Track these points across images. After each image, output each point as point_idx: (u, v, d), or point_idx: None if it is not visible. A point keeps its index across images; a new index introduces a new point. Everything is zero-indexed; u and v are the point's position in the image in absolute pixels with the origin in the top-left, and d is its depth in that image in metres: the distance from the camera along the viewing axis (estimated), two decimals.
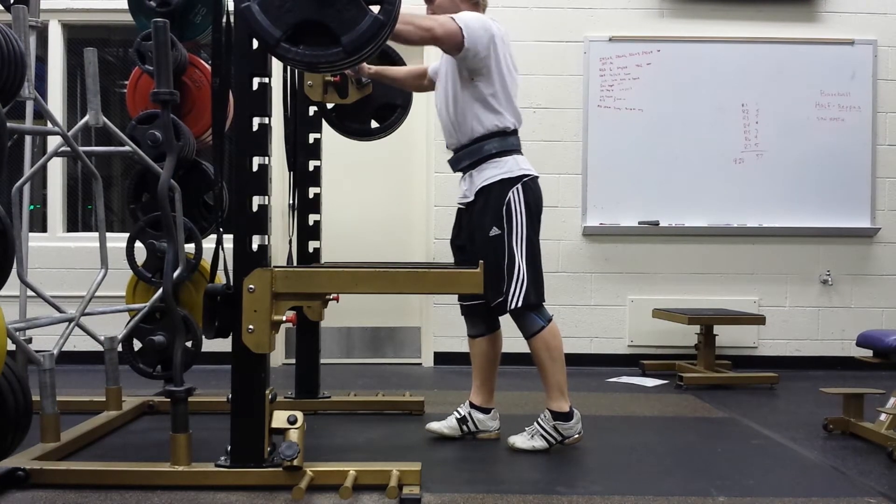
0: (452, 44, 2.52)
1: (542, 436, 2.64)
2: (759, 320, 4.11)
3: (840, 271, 4.62)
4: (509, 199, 2.61)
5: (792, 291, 4.62)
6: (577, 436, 2.67)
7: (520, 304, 2.60)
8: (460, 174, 2.77)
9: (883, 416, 2.81)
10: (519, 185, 2.62)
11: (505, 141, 2.65)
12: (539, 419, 2.68)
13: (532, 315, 2.63)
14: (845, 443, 2.87)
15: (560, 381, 2.64)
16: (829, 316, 4.63)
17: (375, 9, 2.06)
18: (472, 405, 2.85)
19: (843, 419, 2.98)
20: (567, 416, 2.65)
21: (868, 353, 2.96)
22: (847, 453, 2.72)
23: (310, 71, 2.90)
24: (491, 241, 2.62)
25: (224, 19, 2.33)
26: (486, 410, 2.84)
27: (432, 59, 4.56)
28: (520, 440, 2.67)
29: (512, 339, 4.52)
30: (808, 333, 4.63)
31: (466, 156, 2.68)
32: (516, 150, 2.68)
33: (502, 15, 4.53)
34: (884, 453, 2.67)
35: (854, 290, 4.62)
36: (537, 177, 2.71)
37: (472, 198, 2.69)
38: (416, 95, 3.37)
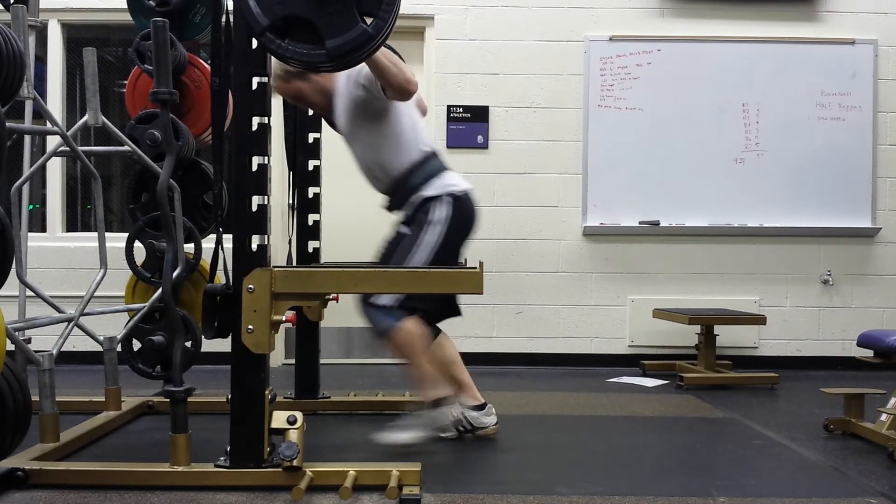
0: (409, 97, 2.54)
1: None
2: (759, 320, 4.10)
3: (841, 271, 4.61)
4: (429, 207, 2.61)
5: (792, 291, 4.62)
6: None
7: (379, 301, 2.52)
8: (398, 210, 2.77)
9: (884, 417, 2.80)
10: (443, 196, 2.62)
11: (427, 168, 2.65)
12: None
13: (379, 314, 2.54)
14: (846, 443, 2.86)
15: (423, 374, 2.58)
16: (830, 316, 4.62)
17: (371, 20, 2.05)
18: (463, 406, 2.83)
19: (844, 419, 2.97)
20: (440, 403, 2.61)
21: (869, 353, 2.96)
22: (848, 453, 2.72)
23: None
24: (396, 237, 2.66)
25: (223, 19, 2.32)
26: (479, 408, 2.83)
27: (432, 60, 4.56)
28: (398, 435, 2.59)
29: (513, 339, 4.54)
30: (809, 333, 4.62)
31: (397, 196, 2.70)
32: (441, 170, 2.68)
33: (503, 14, 4.57)
34: (884, 453, 2.67)
35: (855, 289, 4.62)
36: (469, 189, 2.69)
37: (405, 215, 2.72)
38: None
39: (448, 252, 2.61)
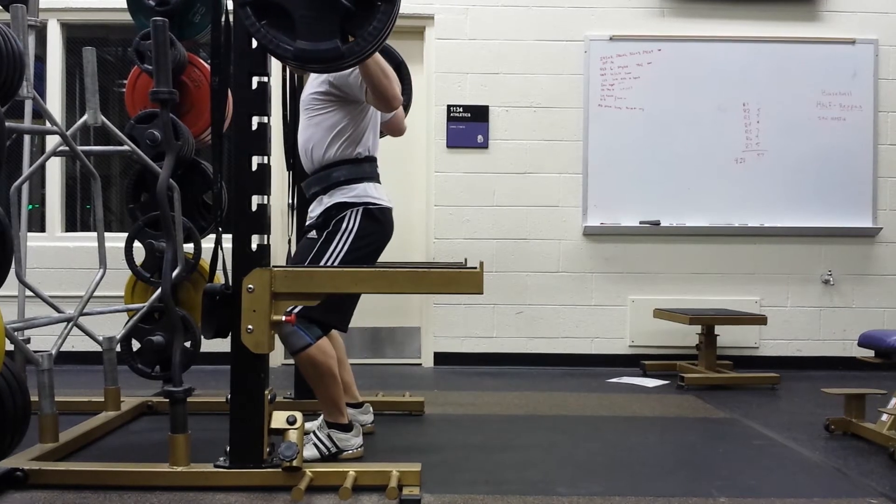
0: (389, 111, 2.60)
1: (315, 444, 2.52)
2: (760, 320, 4.10)
3: (841, 271, 4.61)
4: (344, 216, 2.54)
5: (793, 291, 4.61)
6: (355, 450, 2.55)
7: (297, 309, 2.41)
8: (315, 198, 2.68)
9: (884, 417, 2.80)
10: (360, 209, 2.55)
11: (356, 168, 2.59)
12: (315, 429, 2.58)
13: (298, 331, 2.45)
14: (846, 443, 2.86)
15: (332, 396, 2.53)
16: (831, 316, 4.62)
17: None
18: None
19: (845, 419, 2.97)
20: (344, 428, 2.55)
21: (869, 353, 2.96)
22: (848, 454, 2.71)
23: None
24: (306, 243, 2.62)
25: (223, 18, 2.32)
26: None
27: (432, 60, 4.56)
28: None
29: (513, 339, 4.54)
30: (810, 333, 4.62)
31: (316, 182, 2.62)
32: (368, 177, 2.61)
33: (503, 14, 4.57)
34: (885, 454, 2.67)
35: (855, 289, 4.61)
36: (388, 208, 2.63)
37: (316, 218, 2.65)
38: (416, 95, 3.35)
39: (356, 262, 2.51)
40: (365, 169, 2.62)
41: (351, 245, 2.52)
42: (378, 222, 2.59)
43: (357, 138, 2.59)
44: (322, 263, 2.49)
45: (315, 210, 2.64)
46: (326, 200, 2.59)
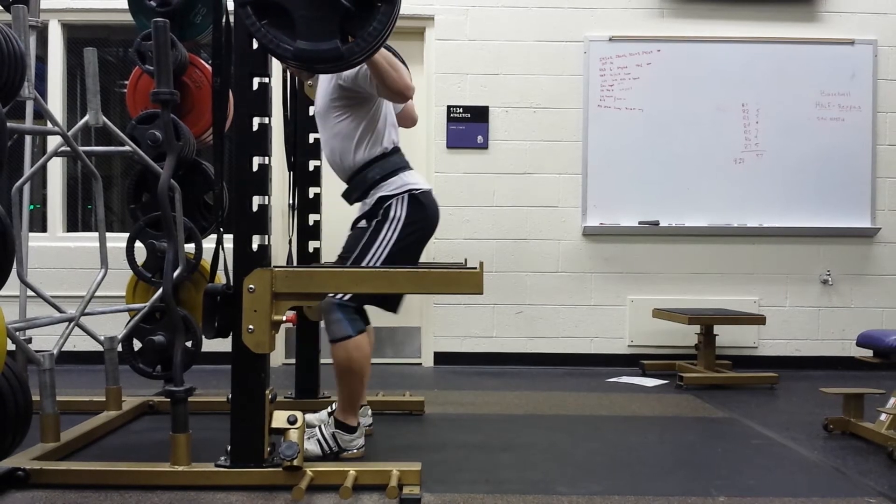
0: (405, 101, 2.59)
1: (319, 441, 2.54)
2: (759, 320, 4.11)
3: (840, 271, 4.62)
4: (390, 204, 2.57)
5: (792, 291, 4.62)
6: (356, 451, 2.57)
7: (345, 298, 2.47)
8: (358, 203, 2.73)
9: (883, 416, 2.81)
10: (405, 196, 2.58)
11: (386, 163, 2.62)
12: (321, 426, 2.59)
13: (344, 320, 2.49)
14: (845, 443, 2.87)
15: (353, 395, 2.55)
16: (830, 316, 4.63)
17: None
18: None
19: (844, 419, 2.98)
20: (350, 429, 2.57)
21: (868, 353, 2.96)
22: (847, 453, 2.72)
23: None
24: (356, 232, 2.66)
25: (224, 19, 2.32)
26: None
27: (432, 60, 4.57)
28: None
29: (513, 339, 4.55)
30: (809, 333, 4.63)
31: (354, 188, 2.66)
32: (401, 168, 2.64)
33: (503, 14, 4.58)
34: (884, 453, 2.68)
35: (854, 289, 4.62)
36: (428, 190, 2.66)
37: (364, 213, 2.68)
38: (416, 96, 3.34)
39: (405, 250, 2.57)
40: (395, 161, 2.65)
41: (400, 233, 2.56)
42: (424, 208, 2.61)
43: (379, 136, 2.62)
44: (372, 253, 2.53)
45: (361, 212, 2.68)
46: (369, 201, 2.63)
